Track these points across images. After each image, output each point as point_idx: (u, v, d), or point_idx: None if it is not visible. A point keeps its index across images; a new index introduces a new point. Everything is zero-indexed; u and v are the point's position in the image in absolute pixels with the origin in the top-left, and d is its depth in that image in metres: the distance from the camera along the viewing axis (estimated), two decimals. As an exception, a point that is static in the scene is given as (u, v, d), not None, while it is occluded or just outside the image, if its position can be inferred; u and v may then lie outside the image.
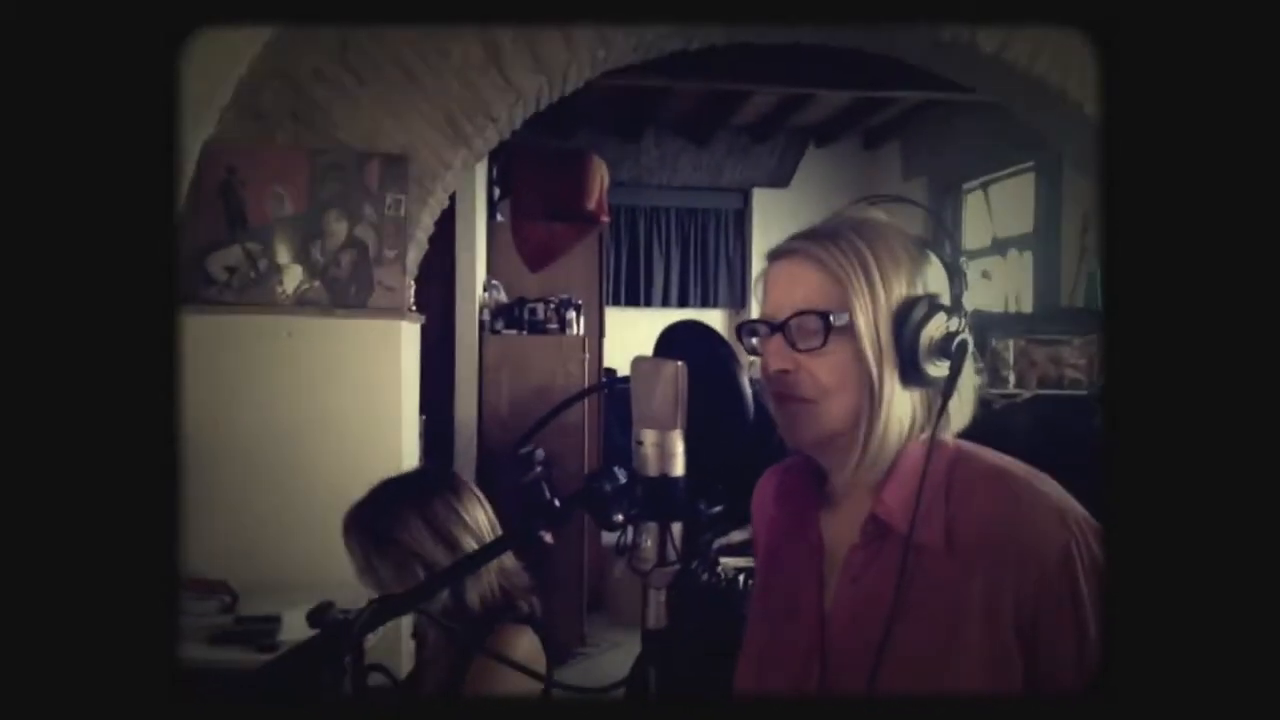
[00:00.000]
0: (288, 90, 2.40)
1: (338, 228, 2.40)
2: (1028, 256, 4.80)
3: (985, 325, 3.05)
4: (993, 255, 5.13)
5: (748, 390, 0.90)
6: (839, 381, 0.84)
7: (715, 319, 6.25)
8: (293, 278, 2.39)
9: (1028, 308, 4.57)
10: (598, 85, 4.76)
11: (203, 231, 2.36)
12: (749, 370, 0.90)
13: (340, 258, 2.40)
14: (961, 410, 0.88)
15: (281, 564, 2.29)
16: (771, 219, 6.23)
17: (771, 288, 0.89)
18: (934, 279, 0.87)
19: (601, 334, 4.56)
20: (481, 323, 3.87)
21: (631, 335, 5.63)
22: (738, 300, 6.32)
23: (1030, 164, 4.68)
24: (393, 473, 1.53)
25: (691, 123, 5.72)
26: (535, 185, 4.44)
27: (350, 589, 1.76)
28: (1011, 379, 2.76)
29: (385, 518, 1.40)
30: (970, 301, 0.88)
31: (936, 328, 0.83)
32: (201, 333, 2.34)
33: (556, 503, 0.80)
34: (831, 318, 0.82)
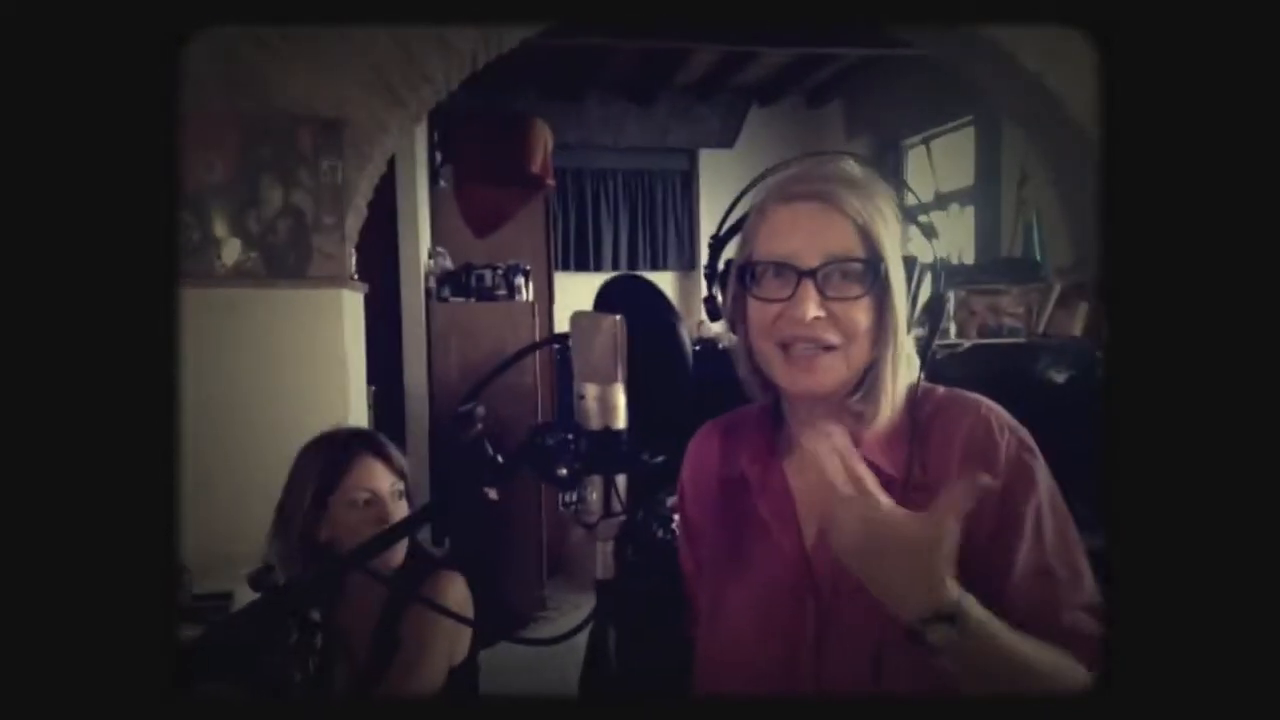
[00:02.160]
0: (219, 54, 2.32)
1: (272, 194, 2.35)
2: (970, 211, 4.88)
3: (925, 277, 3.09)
4: (936, 210, 5.20)
5: (687, 342, 0.91)
6: (865, 329, 0.86)
7: (665, 281, 6.25)
8: (231, 250, 2.33)
9: (970, 260, 4.65)
10: (538, 46, 4.71)
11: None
12: (689, 325, 0.91)
13: (277, 225, 2.35)
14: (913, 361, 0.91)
15: (233, 538, 2.26)
16: (718, 180, 6.22)
17: (792, 231, 0.87)
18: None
19: (551, 299, 4.54)
20: (428, 290, 3.82)
21: (581, 300, 5.60)
22: (687, 262, 6.33)
23: (969, 118, 4.73)
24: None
25: (635, 83, 5.68)
26: (477, 150, 4.37)
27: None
28: (952, 329, 2.82)
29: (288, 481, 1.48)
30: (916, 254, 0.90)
31: (928, 283, 0.88)
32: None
33: (499, 459, 0.80)
34: (877, 267, 0.85)
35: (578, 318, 0.83)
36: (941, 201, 5.16)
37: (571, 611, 4.00)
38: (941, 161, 5.23)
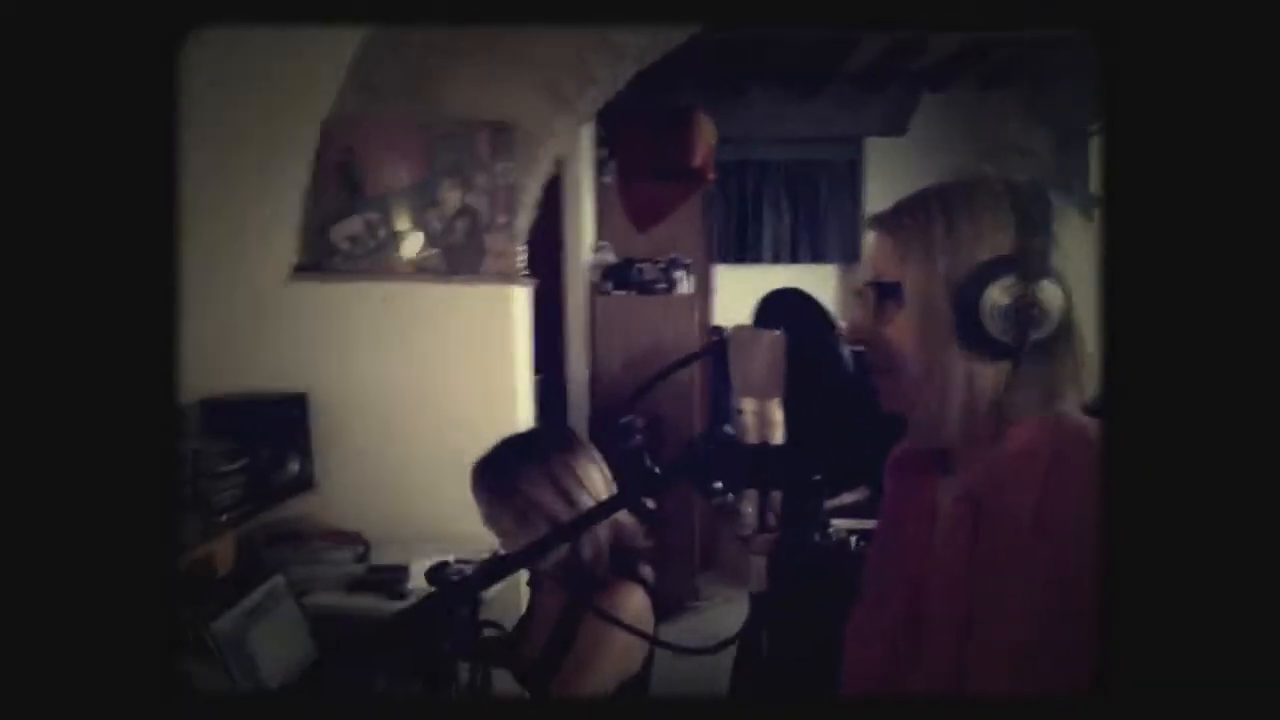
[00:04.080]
0: (398, 64, 2.47)
1: (451, 195, 2.48)
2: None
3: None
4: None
5: (847, 356, 0.91)
6: (909, 352, 0.83)
7: (826, 274, 6.14)
8: (411, 245, 2.48)
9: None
10: (701, 41, 4.72)
11: (325, 204, 2.48)
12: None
13: (455, 225, 2.48)
14: (1079, 383, 0.83)
15: (410, 516, 2.42)
16: (886, 169, 6.04)
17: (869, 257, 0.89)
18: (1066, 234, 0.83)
19: (710, 292, 4.56)
20: (592, 284, 3.92)
21: (741, 292, 5.60)
22: (850, 254, 6.18)
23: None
24: (511, 430, 1.60)
25: (799, 74, 5.59)
26: (641, 145, 4.44)
27: (472, 541, 1.86)
28: None
29: (509, 470, 1.47)
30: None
31: (1001, 293, 0.80)
32: (327, 299, 2.47)
33: (657, 471, 0.83)
34: (891, 288, 0.83)
35: (738, 332, 0.84)
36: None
37: (723, 604, 4.03)
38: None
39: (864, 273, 0.87)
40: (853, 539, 1.13)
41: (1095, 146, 5.17)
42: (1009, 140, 5.75)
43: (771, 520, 0.83)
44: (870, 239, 0.88)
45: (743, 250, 6.12)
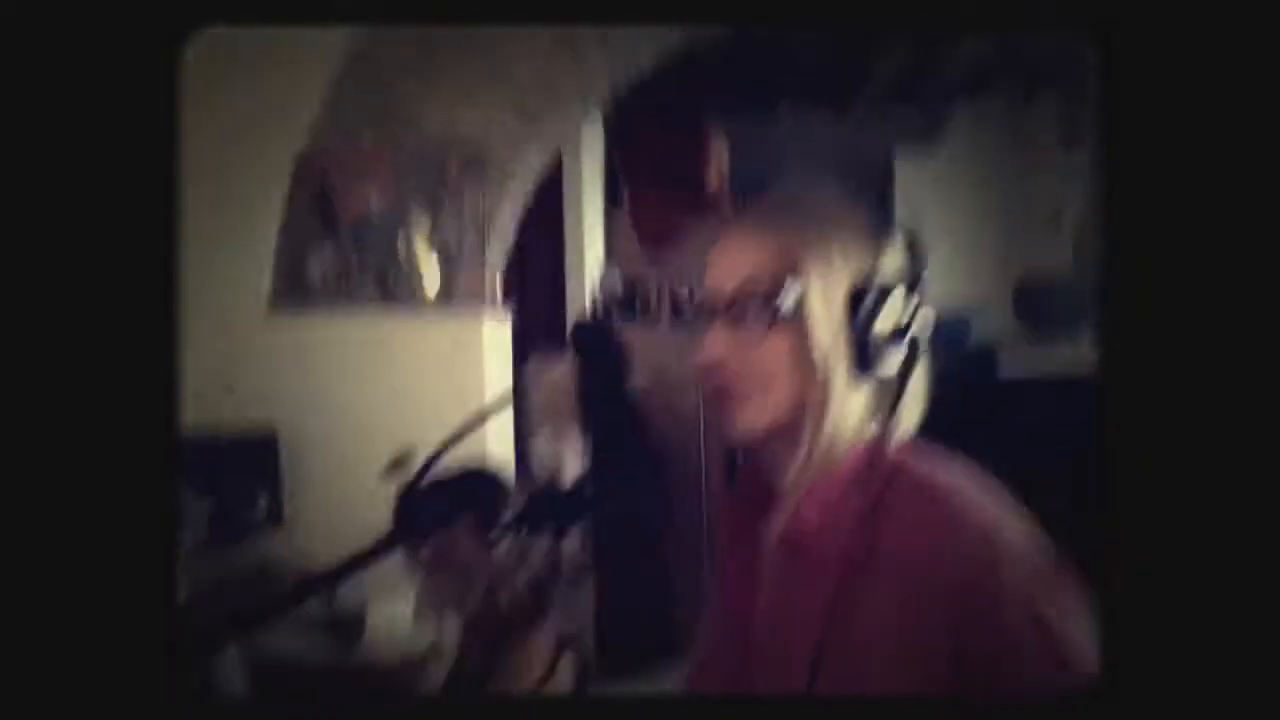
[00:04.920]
0: (370, 92, 2.45)
1: (422, 222, 2.44)
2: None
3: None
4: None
5: (634, 395, 0.83)
6: (784, 370, 0.74)
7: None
8: (383, 276, 2.44)
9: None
10: (722, 59, 4.65)
11: (299, 237, 2.46)
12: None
13: (424, 254, 2.44)
14: (913, 408, 0.78)
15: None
16: (917, 181, 5.88)
17: (711, 266, 0.79)
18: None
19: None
20: (593, 310, 3.85)
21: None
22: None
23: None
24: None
25: (827, 88, 5.47)
26: (652, 166, 4.38)
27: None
28: None
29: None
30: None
31: (889, 317, 0.74)
32: (299, 332, 2.44)
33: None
34: (781, 298, 0.73)
35: (531, 364, 0.76)
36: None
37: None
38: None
39: (720, 280, 0.77)
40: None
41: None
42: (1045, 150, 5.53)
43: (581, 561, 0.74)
44: (720, 248, 0.79)
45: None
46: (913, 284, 0.75)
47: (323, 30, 2.37)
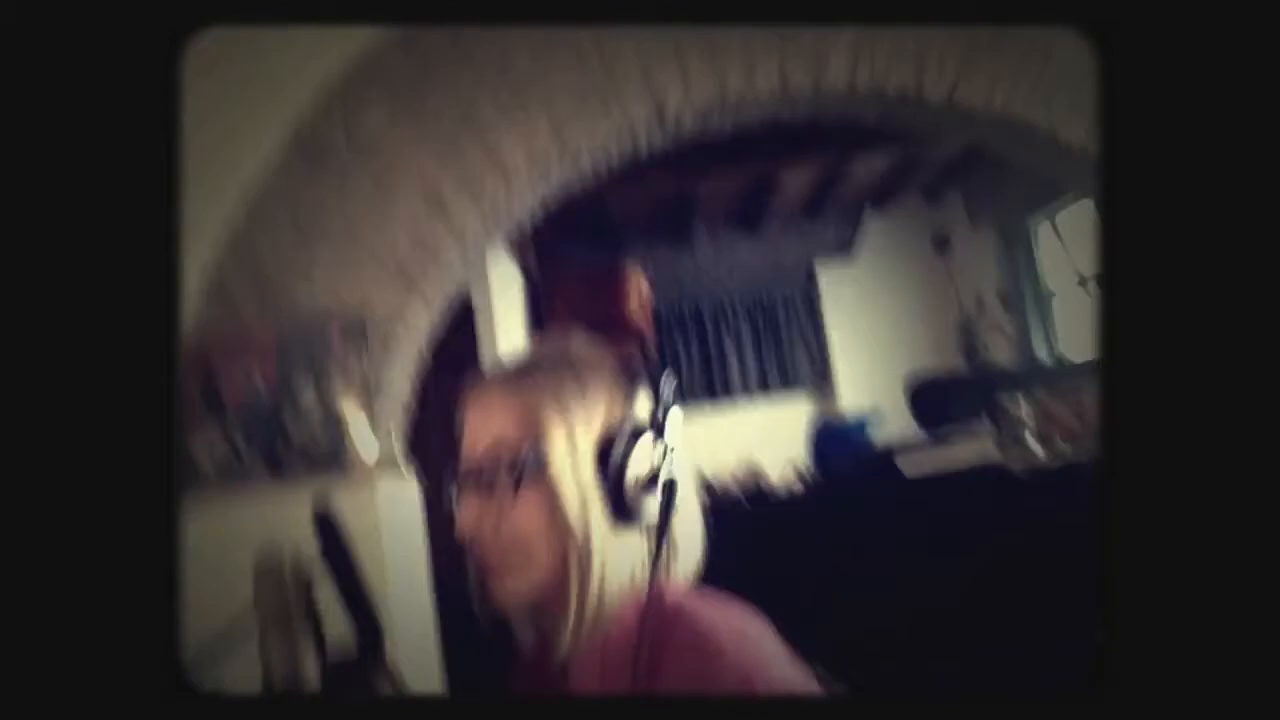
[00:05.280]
0: (249, 269, 2.46)
1: (307, 394, 2.41)
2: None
3: (997, 382, 2.76)
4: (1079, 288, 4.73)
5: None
6: (539, 533, 0.72)
7: (798, 403, 6.02)
8: (269, 452, 2.39)
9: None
10: (633, 194, 4.78)
11: (186, 422, 2.41)
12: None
13: (312, 425, 2.40)
14: (690, 551, 0.77)
15: None
16: (840, 291, 6.01)
17: (464, 433, 0.77)
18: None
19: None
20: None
21: (710, 434, 5.46)
22: (821, 378, 6.06)
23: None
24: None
25: (738, 211, 5.64)
26: (570, 306, 4.43)
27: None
28: (1032, 444, 2.42)
29: None
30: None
31: (641, 463, 0.72)
32: (196, 520, 2.36)
33: None
34: (521, 459, 0.71)
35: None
36: (1084, 283, 4.69)
37: None
38: (1074, 238, 4.79)
39: (469, 447, 0.75)
40: None
41: (1041, 235, 5.09)
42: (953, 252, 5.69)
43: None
44: (470, 412, 0.77)
45: (711, 387, 6.03)
46: (660, 428, 0.74)
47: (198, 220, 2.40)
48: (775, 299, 6.12)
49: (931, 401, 3.12)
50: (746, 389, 6.04)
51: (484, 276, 3.60)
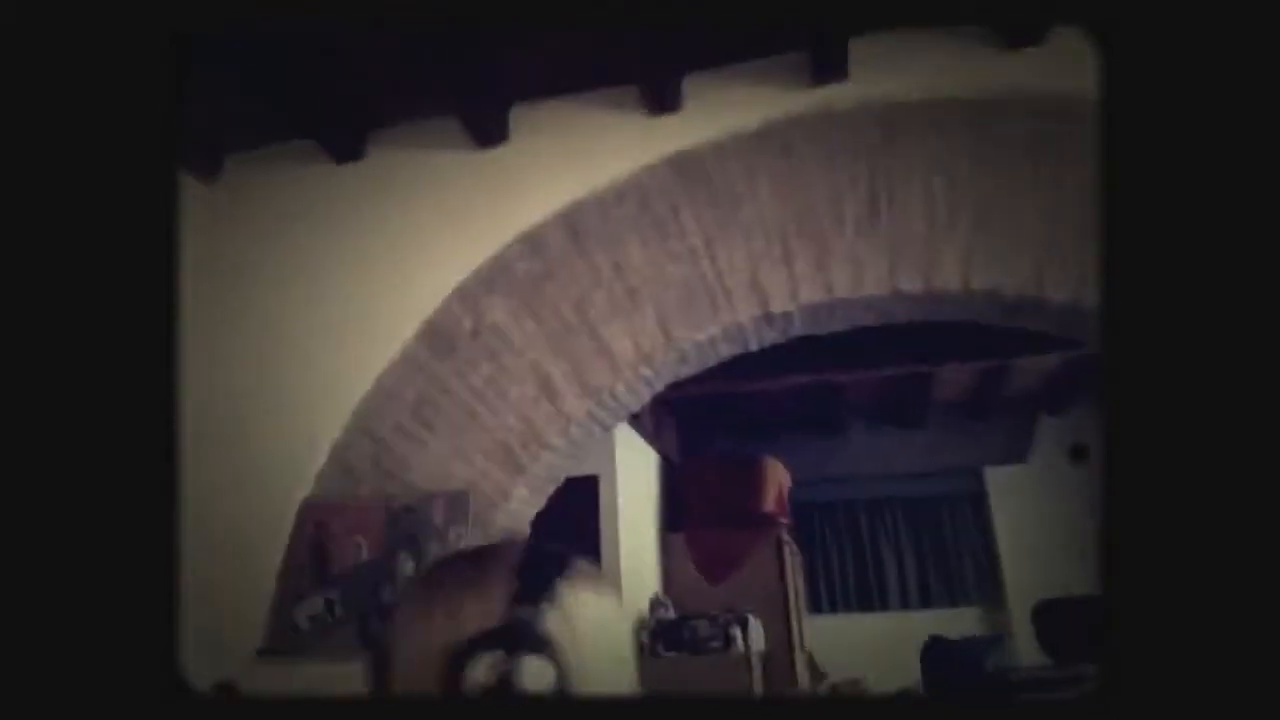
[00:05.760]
0: (371, 446, 2.64)
1: (406, 568, 2.49)
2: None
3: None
4: None
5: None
6: None
7: (969, 618, 5.51)
8: (365, 625, 2.46)
9: None
10: (783, 387, 4.78)
11: (294, 584, 2.54)
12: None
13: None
14: None
15: None
16: (1010, 496, 5.60)
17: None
18: None
19: (793, 646, 4.17)
20: (639, 645, 3.70)
21: (860, 642, 5.09)
22: (990, 594, 5.56)
23: None
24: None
25: (894, 408, 5.48)
26: (707, 495, 4.39)
27: None
28: None
29: None
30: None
31: (485, 671, 0.68)
32: (287, 680, 2.44)
33: None
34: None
35: None
36: None
37: None
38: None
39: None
40: None
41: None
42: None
43: None
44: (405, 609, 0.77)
45: (865, 596, 5.65)
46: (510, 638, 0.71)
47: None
48: (938, 503, 5.78)
49: (1053, 623, 2.78)
50: (905, 603, 5.63)
51: (611, 461, 3.65)
